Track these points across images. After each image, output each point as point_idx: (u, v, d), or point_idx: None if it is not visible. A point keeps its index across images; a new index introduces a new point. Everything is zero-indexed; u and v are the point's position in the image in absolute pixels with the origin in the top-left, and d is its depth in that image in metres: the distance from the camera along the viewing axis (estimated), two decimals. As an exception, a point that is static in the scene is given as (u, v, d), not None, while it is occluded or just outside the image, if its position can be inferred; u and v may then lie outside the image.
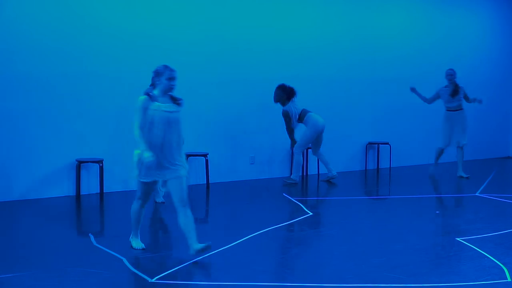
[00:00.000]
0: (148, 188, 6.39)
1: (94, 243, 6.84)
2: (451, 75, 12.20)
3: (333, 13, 12.73)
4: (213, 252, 6.35)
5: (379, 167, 13.57)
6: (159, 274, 5.62)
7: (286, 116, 11.01)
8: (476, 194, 10.36)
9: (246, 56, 11.45)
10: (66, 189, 9.77)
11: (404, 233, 7.49)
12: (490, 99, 15.97)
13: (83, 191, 9.81)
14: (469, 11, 15.34)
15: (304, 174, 12.27)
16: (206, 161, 10.73)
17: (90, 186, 9.95)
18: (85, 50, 9.87)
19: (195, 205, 9.75)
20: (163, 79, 6.18)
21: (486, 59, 15.89)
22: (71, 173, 9.74)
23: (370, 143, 13.42)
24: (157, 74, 6.21)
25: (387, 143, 13.44)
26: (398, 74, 13.87)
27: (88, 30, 9.89)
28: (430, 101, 12.51)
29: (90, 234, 7.23)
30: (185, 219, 6.19)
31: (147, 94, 6.16)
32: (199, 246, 6.08)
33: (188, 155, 10.47)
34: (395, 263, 6.13)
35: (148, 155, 5.98)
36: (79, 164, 9.64)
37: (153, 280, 5.48)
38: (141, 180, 6.27)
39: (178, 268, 5.86)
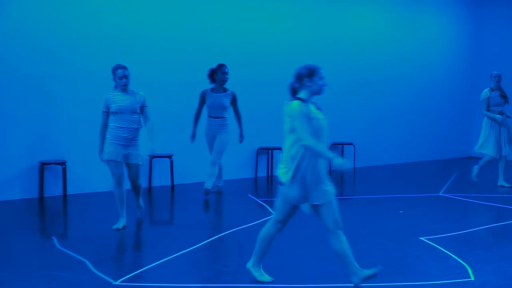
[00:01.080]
0: (292, 211, 5.49)
1: (58, 245, 6.76)
2: (499, 77, 11.56)
3: (298, 15, 12.78)
4: (178, 254, 6.33)
5: (344, 168, 13.61)
6: (123, 277, 5.58)
7: None
8: (440, 194, 10.48)
9: (215, 57, 11.42)
10: (28, 191, 9.63)
11: (369, 233, 7.54)
12: (452, 100, 16.19)
13: (46, 194, 9.68)
14: (434, 14, 15.50)
15: (270, 174, 12.29)
16: (171, 162, 10.68)
17: (53, 188, 9.82)
18: (44, 51, 9.74)
19: (159, 207, 9.73)
20: (317, 80, 5.24)
21: (449, 61, 16.08)
22: (33, 175, 9.61)
23: (334, 144, 13.47)
24: (309, 73, 5.23)
25: (351, 144, 13.52)
26: (364, 76, 13.95)
27: (61, 30, 9.88)
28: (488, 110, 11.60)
29: (53, 237, 7.14)
30: (341, 244, 5.35)
31: (298, 98, 5.21)
32: (367, 272, 5.27)
33: (152, 157, 10.43)
34: (360, 263, 6.14)
35: (344, 162, 5.12)
36: (42, 166, 9.51)
37: (117, 282, 5.43)
38: (292, 203, 5.36)
39: (142, 270, 5.82)
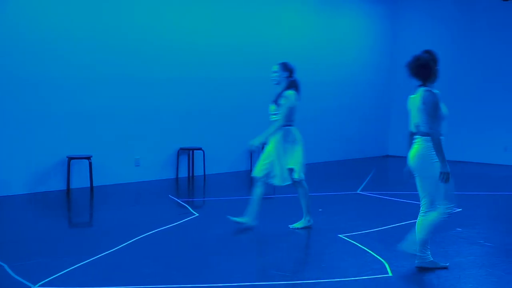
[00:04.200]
0: None
1: (-27, 250, 6.58)
2: None
3: (223, 15, 12.79)
4: (98, 256, 6.24)
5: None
6: (42, 280, 5.46)
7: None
8: (357, 192, 10.68)
9: (123, 55, 11.33)
10: None
11: (290, 231, 7.61)
12: (370, 100, 16.53)
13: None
14: (350, 15, 15.78)
15: (190, 175, 12.26)
16: (90, 163, 10.51)
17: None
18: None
19: (78, 209, 9.57)
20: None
21: (367, 62, 16.40)
22: None
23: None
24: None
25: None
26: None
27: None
28: None
29: (-33, 241, 6.94)
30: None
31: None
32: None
33: (70, 158, 10.26)
34: (281, 261, 6.22)
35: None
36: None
37: (36, 286, 5.32)
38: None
39: (62, 274, 5.71)
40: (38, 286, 5.33)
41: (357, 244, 6.90)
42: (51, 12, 10.26)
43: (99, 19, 10.84)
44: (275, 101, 7.56)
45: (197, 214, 8.52)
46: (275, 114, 7.51)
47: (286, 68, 7.63)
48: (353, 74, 15.96)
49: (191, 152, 12.24)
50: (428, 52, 5.85)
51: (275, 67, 7.62)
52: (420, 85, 5.81)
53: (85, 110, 10.70)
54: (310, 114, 14.71)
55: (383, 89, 16.99)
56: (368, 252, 6.57)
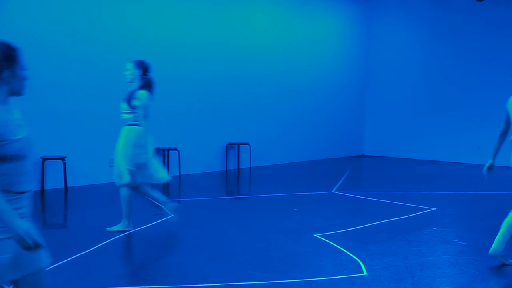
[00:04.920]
0: None
1: None
2: None
3: (195, 14, 12.76)
4: (73, 257, 6.20)
5: (240, 167, 13.75)
6: (16, 282, 5.40)
7: None
8: (333, 192, 10.72)
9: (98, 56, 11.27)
10: None
11: (266, 231, 7.62)
12: (345, 100, 16.60)
13: None
14: (326, 14, 15.84)
15: (165, 175, 12.21)
16: (64, 164, 10.43)
17: None
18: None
19: (52, 210, 9.49)
20: None
21: (342, 62, 16.48)
22: None
23: (230, 144, 13.55)
24: None
25: (247, 144, 13.63)
26: (259, 75, 14.10)
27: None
28: None
29: None
30: None
31: None
32: None
33: (44, 159, 10.18)
34: (258, 261, 6.22)
35: None
36: None
37: (10, 288, 5.26)
38: None
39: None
40: (12, 288, 5.27)
41: (333, 243, 6.92)
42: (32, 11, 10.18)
43: (84, 16, 10.77)
44: (127, 100, 7.29)
45: (172, 215, 8.49)
46: (127, 113, 7.28)
47: (140, 66, 7.31)
48: (329, 75, 16.03)
49: (166, 152, 12.20)
50: None
51: (129, 65, 7.33)
52: None
53: (59, 110, 10.60)
54: (285, 115, 14.77)
55: (358, 89, 17.07)
56: (344, 251, 6.60)
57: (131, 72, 7.31)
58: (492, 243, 6.09)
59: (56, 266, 5.91)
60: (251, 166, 13.91)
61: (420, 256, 6.45)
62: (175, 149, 12.21)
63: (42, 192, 10.32)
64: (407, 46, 16.59)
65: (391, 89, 16.81)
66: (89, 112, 11.05)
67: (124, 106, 7.34)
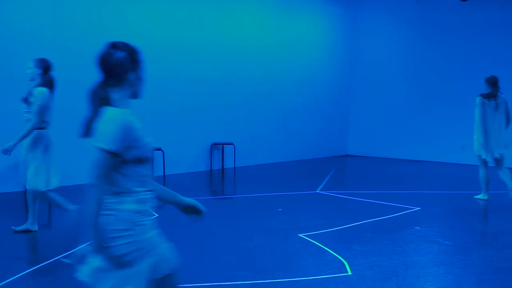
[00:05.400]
0: None
1: None
2: None
3: (183, 14, 12.72)
4: (51, 260, 6.15)
5: (224, 167, 13.73)
6: (-2, 284, 5.36)
7: None
8: (317, 191, 10.72)
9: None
10: None
11: (250, 231, 7.60)
12: (330, 100, 16.62)
13: None
14: (310, 14, 15.85)
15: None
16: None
17: None
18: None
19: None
20: None
21: (327, 62, 16.50)
22: None
23: (214, 144, 13.53)
24: None
25: (231, 144, 13.61)
26: (244, 76, 14.08)
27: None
28: None
29: None
30: None
31: None
32: None
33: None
34: (243, 261, 6.21)
35: None
36: None
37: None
38: None
39: (5, 283, 5.57)
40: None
41: (317, 243, 6.92)
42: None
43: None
44: (26, 99, 7.15)
45: (157, 215, 8.44)
46: (27, 112, 7.12)
47: (41, 64, 7.19)
48: (313, 75, 16.04)
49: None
50: None
51: (30, 63, 7.23)
52: None
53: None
54: (270, 115, 14.76)
55: (342, 89, 17.10)
56: (328, 251, 6.59)
57: (31, 71, 7.17)
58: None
59: (29, 271, 5.85)
60: (236, 166, 13.89)
61: (404, 255, 6.46)
62: (160, 149, 12.15)
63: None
64: (391, 46, 16.64)
65: (375, 90, 16.85)
66: (78, 111, 10.97)
67: (24, 105, 7.19)
